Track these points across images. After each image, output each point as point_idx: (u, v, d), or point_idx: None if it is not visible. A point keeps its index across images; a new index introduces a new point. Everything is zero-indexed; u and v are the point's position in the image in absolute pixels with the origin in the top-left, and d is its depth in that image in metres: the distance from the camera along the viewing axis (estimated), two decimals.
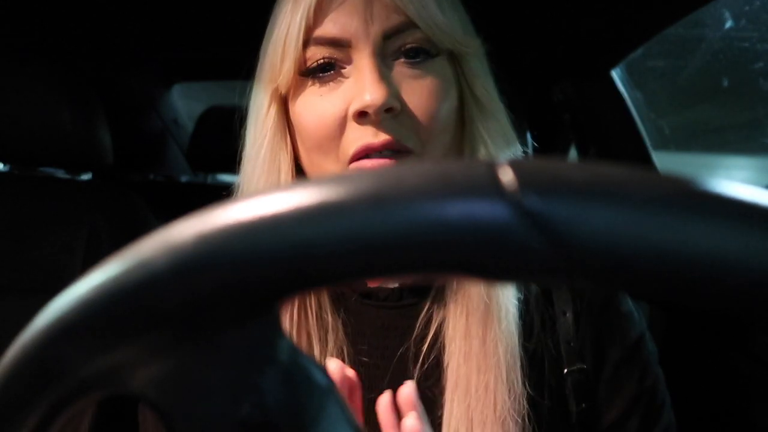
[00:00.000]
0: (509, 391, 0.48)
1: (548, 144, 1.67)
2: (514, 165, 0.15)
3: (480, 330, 0.49)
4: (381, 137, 0.47)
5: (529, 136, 1.62)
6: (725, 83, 1.62)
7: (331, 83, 0.49)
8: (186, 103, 2.06)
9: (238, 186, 0.55)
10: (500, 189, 0.15)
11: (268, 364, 0.18)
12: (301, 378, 0.19)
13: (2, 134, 1.10)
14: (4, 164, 1.31)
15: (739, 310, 0.15)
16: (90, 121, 1.14)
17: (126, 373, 0.18)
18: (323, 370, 0.20)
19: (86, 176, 1.45)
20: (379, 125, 0.47)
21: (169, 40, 1.44)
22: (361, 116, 0.47)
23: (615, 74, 1.31)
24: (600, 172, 0.15)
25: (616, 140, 1.35)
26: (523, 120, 1.60)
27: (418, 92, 0.48)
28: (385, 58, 0.48)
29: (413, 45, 0.48)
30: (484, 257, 0.15)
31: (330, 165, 0.50)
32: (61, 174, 1.32)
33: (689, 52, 1.54)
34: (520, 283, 0.52)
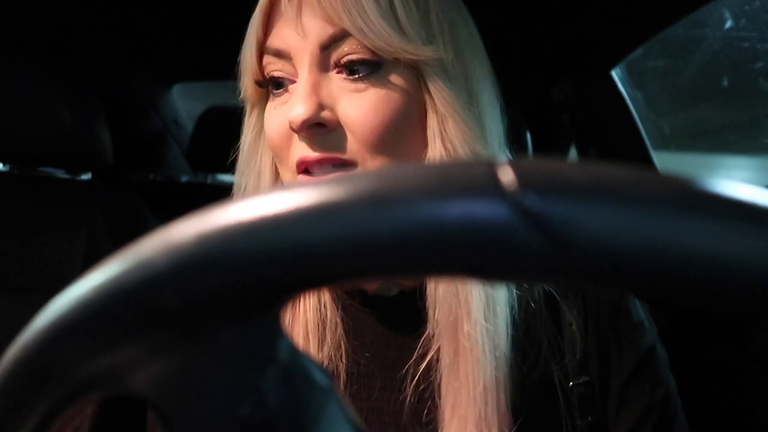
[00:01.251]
0: (499, 422, 0.47)
1: (548, 144, 1.67)
2: (515, 165, 0.15)
3: (451, 357, 0.49)
4: (315, 152, 0.47)
5: (528, 136, 1.62)
6: (725, 83, 1.62)
7: (282, 96, 0.50)
8: (186, 103, 2.06)
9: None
10: (500, 189, 0.15)
11: (268, 364, 0.18)
12: (301, 378, 0.19)
13: (2, 134, 1.10)
14: (4, 164, 1.31)
15: (739, 310, 0.15)
16: (90, 121, 1.14)
17: (126, 374, 0.18)
18: (323, 370, 0.20)
19: (86, 176, 1.45)
20: (313, 140, 0.47)
21: (169, 40, 1.44)
22: (295, 131, 0.47)
23: (615, 74, 1.31)
24: (600, 172, 0.15)
25: (616, 140, 1.35)
26: (523, 120, 1.61)
27: (357, 105, 0.47)
28: (327, 70, 0.47)
29: (353, 57, 0.46)
30: (483, 257, 0.15)
31: (285, 173, 0.51)
32: (61, 174, 1.32)
33: (689, 52, 1.54)
34: (521, 283, 0.52)
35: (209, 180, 2.06)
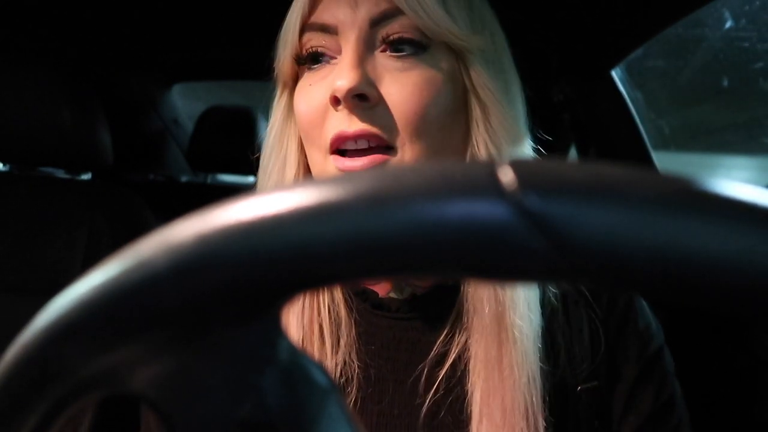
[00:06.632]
0: (526, 416, 0.47)
1: (548, 144, 1.66)
2: (515, 165, 0.15)
3: (494, 351, 0.48)
4: (354, 126, 0.45)
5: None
6: (725, 83, 1.62)
7: (320, 72, 0.49)
8: (186, 103, 2.06)
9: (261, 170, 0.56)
10: (500, 189, 0.15)
11: (268, 364, 0.18)
12: (301, 378, 0.19)
13: (2, 134, 1.10)
14: (4, 164, 1.31)
15: (739, 310, 0.15)
16: (90, 121, 1.14)
17: (126, 373, 0.18)
18: (323, 370, 0.20)
19: (86, 176, 1.45)
20: (352, 112, 0.46)
21: (169, 40, 1.44)
22: (335, 102, 0.46)
23: (615, 74, 1.31)
24: (600, 172, 0.15)
25: (616, 140, 1.35)
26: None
27: (401, 85, 0.46)
28: (372, 48, 0.47)
29: (400, 35, 0.47)
30: (484, 257, 0.15)
31: (315, 154, 0.49)
32: (61, 174, 1.32)
33: (689, 52, 1.54)
34: (520, 283, 0.51)
35: (209, 180, 2.06)
